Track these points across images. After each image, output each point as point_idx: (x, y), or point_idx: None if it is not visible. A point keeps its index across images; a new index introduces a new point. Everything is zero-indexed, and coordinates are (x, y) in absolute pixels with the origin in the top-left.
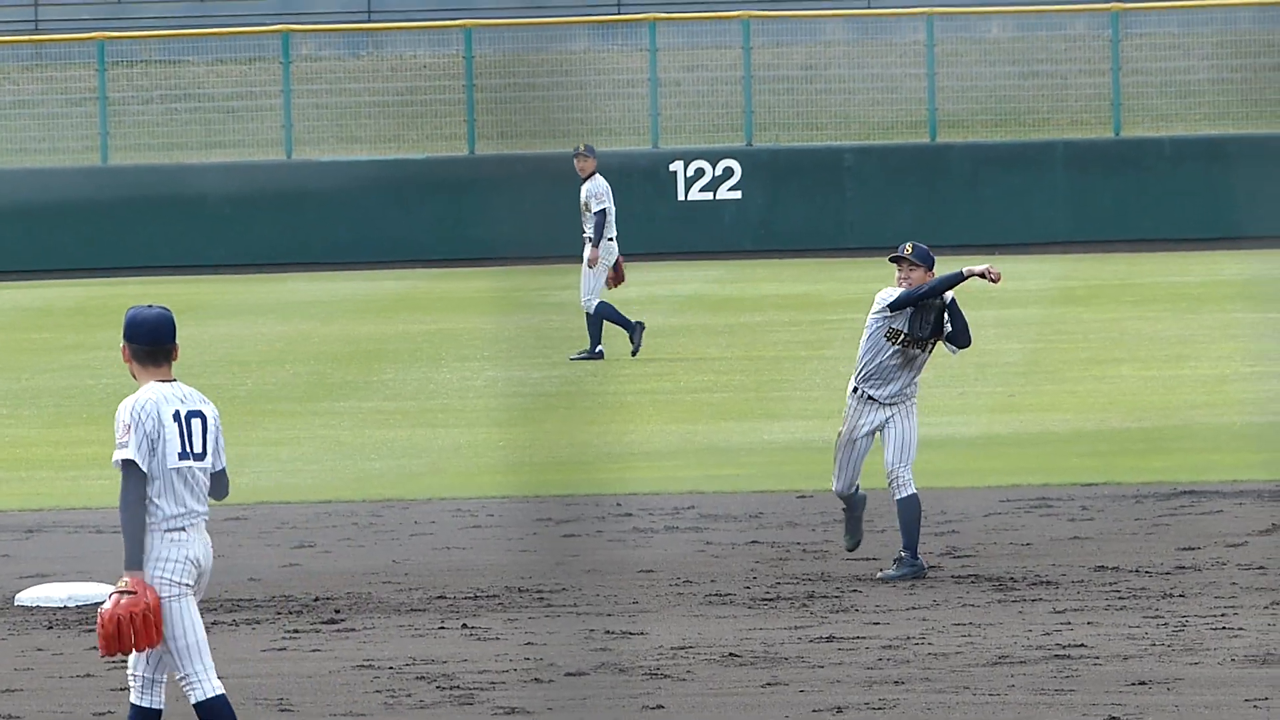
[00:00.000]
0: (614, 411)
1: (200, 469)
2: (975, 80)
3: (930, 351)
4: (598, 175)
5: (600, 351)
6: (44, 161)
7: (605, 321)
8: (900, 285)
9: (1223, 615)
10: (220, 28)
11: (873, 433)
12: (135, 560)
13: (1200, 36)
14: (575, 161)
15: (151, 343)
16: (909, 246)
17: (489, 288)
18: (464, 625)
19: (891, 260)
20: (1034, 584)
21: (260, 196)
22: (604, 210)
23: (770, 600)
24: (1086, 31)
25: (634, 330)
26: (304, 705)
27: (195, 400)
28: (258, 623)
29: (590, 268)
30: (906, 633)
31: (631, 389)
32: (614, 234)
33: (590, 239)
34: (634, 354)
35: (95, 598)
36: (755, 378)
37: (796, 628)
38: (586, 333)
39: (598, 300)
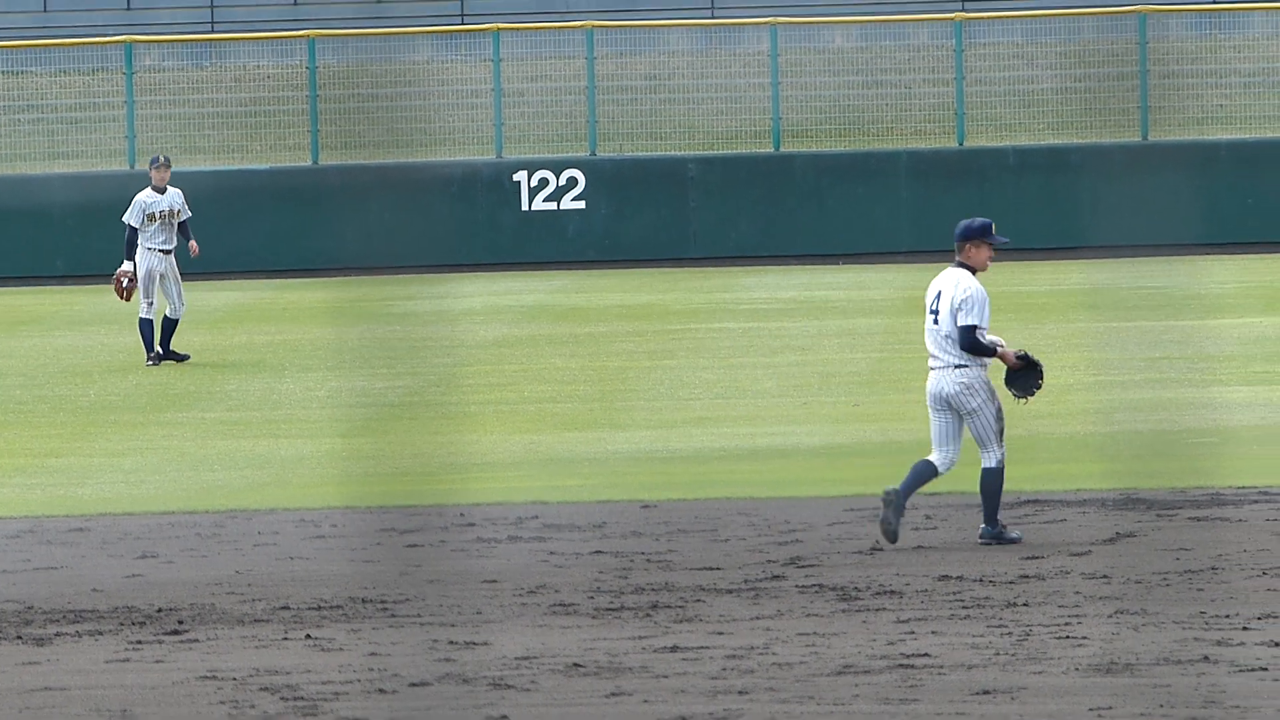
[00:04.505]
0: (457, 422)
1: None
2: (819, 90)
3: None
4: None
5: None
6: None
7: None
8: (986, 265)
9: (1066, 624)
10: (63, 38)
11: None
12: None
13: (1044, 46)
14: (160, 171)
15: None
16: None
17: (333, 298)
18: (307, 636)
19: (990, 243)
20: (878, 593)
21: (103, 207)
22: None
23: (614, 610)
24: (930, 41)
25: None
26: (147, 716)
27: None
28: (101, 634)
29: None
30: (750, 642)
31: (475, 399)
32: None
33: (171, 249)
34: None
35: None
36: (599, 388)
37: (640, 638)
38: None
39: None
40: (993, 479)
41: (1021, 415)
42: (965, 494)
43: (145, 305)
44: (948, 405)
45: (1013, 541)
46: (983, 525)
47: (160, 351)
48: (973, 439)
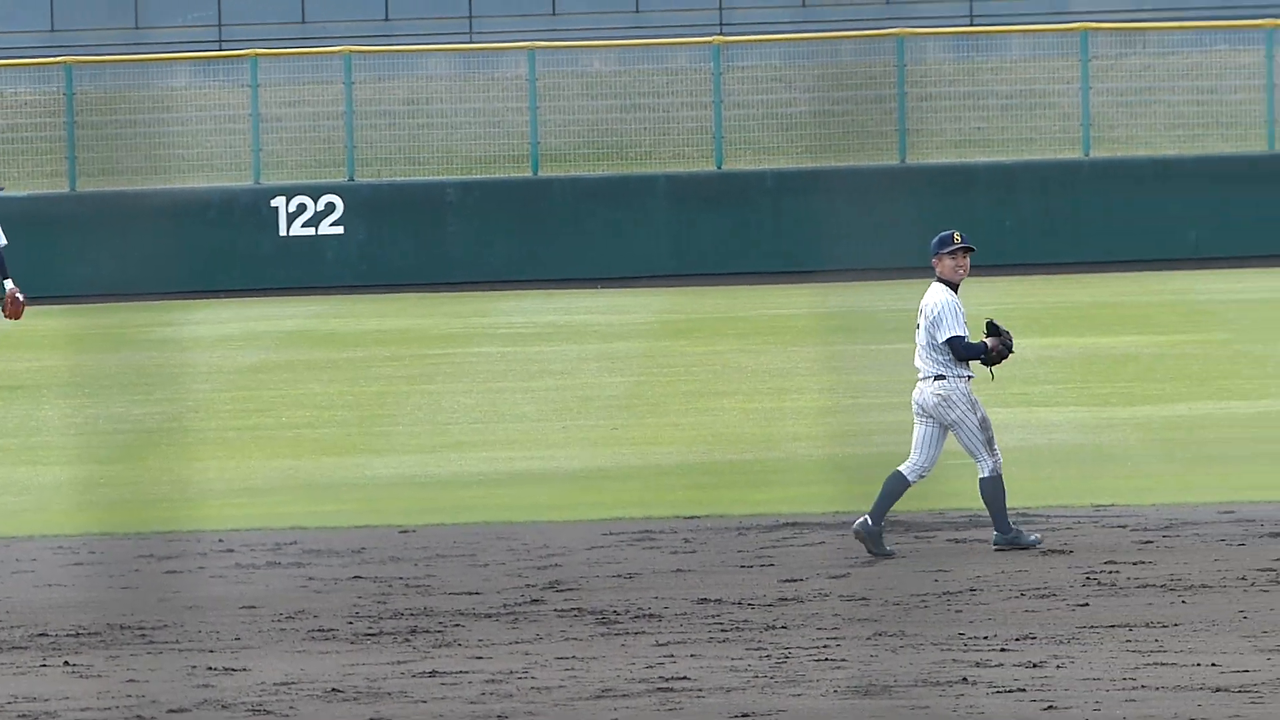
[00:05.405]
0: (216, 448)
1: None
2: (577, 114)
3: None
4: None
5: None
6: None
7: None
8: (958, 274)
9: (825, 646)
10: None
11: None
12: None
13: (802, 69)
14: None
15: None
16: (959, 235)
17: (90, 325)
18: (66, 663)
19: (949, 253)
20: (637, 617)
21: None
22: None
23: (373, 635)
24: (688, 65)
25: None
26: None
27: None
28: None
29: None
30: (509, 667)
31: (233, 425)
32: None
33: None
34: None
35: None
36: (358, 413)
37: (399, 662)
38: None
39: None
40: (990, 488)
41: (780, 438)
42: (723, 517)
43: None
44: (929, 414)
45: (1031, 544)
46: (995, 533)
47: None
48: (934, 445)
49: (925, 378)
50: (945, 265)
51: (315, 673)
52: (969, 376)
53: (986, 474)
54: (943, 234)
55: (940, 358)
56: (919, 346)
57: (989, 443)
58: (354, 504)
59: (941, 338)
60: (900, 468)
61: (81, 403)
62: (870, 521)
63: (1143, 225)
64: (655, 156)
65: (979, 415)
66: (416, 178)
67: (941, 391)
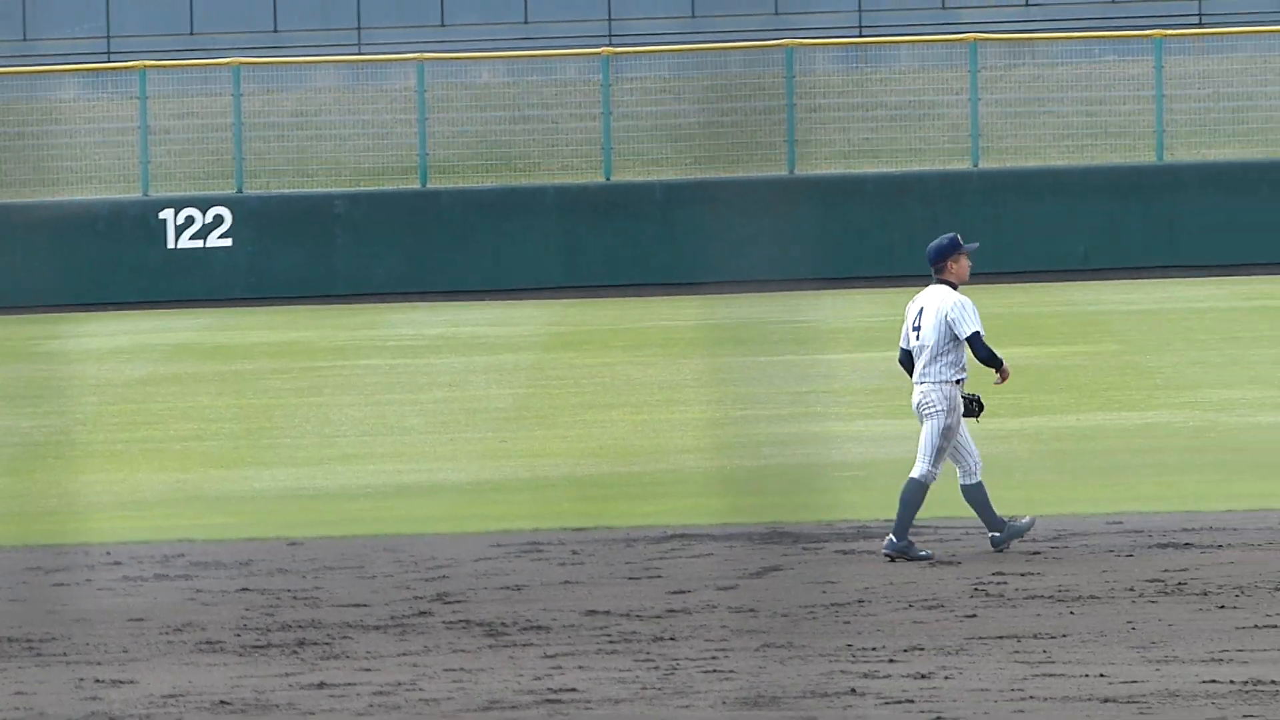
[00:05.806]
0: (104, 460)
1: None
2: (466, 126)
3: None
4: None
5: None
6: None
7: None
8: (968, 273)
9: (714, 658)
10: None
11: None
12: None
13: (691, 80)
14: None
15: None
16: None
17: None
18: None
19: (966, 253)
20: (525, 628)
21: None
22: None
23: (261, 647)
24: (577, 76)
25: None
26: None
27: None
28: None
29: None
30: (398, 679)
31: (121, 438)
32: None
33: None
34: None
35: None
36: (245, 425)
37: (287, 674)
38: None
39: None
40: (913, 491)
41: (669, 450)
42: (611, 528)
43: None
44: (924, 416)
45: (922, 558)
46: (889, 538)
47: None
48: (961, 446)
49: (923, 381)
50: (963, 265)
51: (203, 685)
52: (959, 380)
53: (917, 475)
54: (949, 236)
55: (945, 360)
56: (926, 353)
57: (940, 452)
58: (241, 516)
59: (968, 331)
60: (961, 481)
61: None
62: (998, 535)
63: (1032, 236)
64: (544, 168)
65: (949, 423)
66: (305, 190)
67: (931, 391)
